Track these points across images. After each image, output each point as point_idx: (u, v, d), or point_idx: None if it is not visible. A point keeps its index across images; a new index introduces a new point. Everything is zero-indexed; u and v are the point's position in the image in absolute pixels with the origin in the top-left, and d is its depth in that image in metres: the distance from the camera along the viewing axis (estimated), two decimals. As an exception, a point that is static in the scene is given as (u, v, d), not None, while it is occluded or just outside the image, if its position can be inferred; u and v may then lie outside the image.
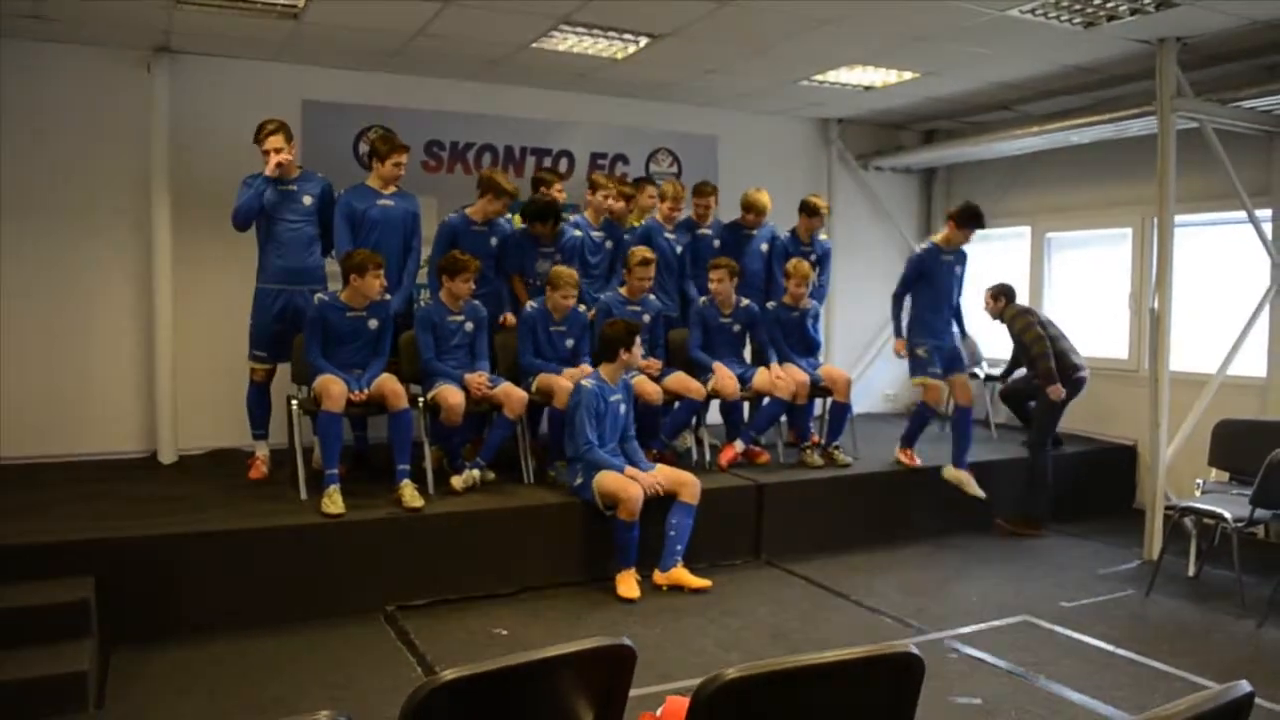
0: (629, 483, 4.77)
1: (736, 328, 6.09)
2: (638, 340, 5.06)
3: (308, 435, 5.18)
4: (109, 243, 5.95)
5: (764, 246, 6.53)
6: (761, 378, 6.01)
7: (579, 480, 4.94)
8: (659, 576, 4.91)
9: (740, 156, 7.67)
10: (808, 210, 6.46)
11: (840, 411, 6.10)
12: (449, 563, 4.71)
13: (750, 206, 6.41)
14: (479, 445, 5.37)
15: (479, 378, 5.15)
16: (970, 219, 6.02)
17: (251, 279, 5.36)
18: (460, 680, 1.69)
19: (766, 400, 5.99)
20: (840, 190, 8.24)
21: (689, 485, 4.95)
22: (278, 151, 5.09)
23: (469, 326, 5.30)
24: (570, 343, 5.56)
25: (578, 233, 5.98)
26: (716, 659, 3.99)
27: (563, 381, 5.22)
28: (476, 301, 5.34)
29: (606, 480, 4.80)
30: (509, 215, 5.91)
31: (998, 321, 6.57)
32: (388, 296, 5.11)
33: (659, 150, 7.54)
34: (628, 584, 4.76)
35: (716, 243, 6.38)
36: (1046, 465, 6.09)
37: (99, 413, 5.96)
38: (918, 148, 8.39)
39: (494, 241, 5.68)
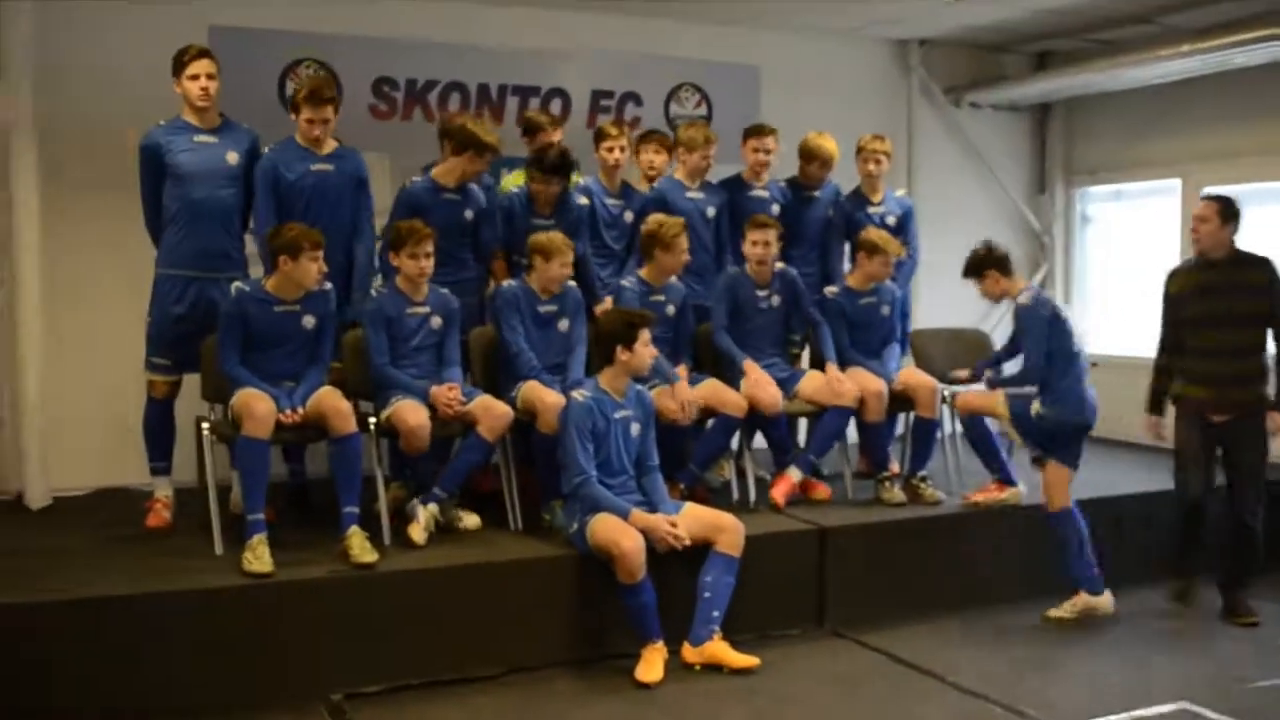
0: (624, 532, 4.74)
1: (775, 301, 6.11)
2: (644, 335, 5.00)
3: (224, 469, 5.21)
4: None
5: (830, 211, 6.58)
6: (813, 383, 6.03)
7: (574, 526, 4.97)
8: (689, 653, 4.91)
9: (790, 93, 7.67)
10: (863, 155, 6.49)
11: (926, 430, 6.12)
12: (412, 636, 4.72)
13: (813, 155, 6.43)
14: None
15: (449, 391, 5.18)
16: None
17: (148, 266, 5.40)
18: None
19: (826, 413, 6.01)
20: (923, 134, 8.30)
21: (727, 532, 4.94)
22: (210, 78, 5.13)
23: (435, 322, 5.33)
24: (564, 324, 5.60)
25: (585, 200, 6.02)
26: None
27: (549, 396, 5.25)
28: (445, 290, 5.38)
29: (599, 528, 4.81)
30: (491, 178, 5.96)
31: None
32: (328, 286, 5.15)
33: (682, 86, 7.57)
34: (647, 664, 4.77)
35: (775, 208, 6.41)
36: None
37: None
38: (1027, 76, 8.43)
39: (469, 214, 5.73)
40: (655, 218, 5.83)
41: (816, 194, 6.55)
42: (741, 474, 5.97)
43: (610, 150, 6.06)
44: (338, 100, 5.47)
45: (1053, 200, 8.88)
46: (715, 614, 4.94)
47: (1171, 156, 7.96)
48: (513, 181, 6.10)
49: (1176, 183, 8.00)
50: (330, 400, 4.96)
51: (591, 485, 4.88)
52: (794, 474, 5.94)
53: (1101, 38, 7.82)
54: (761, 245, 5.90)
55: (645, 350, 5.03)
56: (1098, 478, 6.32)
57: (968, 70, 8.48)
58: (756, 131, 6.38)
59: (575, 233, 5.88)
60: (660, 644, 4.81)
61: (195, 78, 5.13)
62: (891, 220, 6.54)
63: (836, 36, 7.92)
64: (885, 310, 6.29)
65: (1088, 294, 8.94)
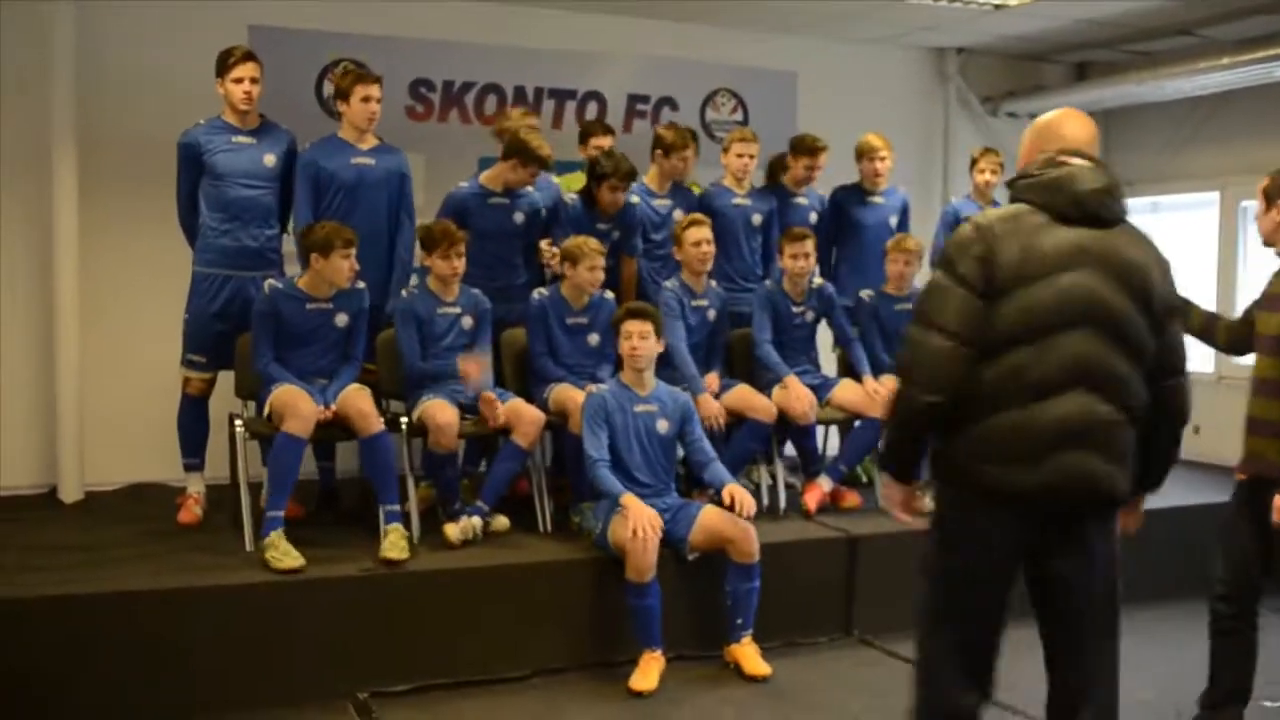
0: (639, 521, 4.72)
1: (809, 316, 6.11)
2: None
3: (255, 466, 5.24)
4: (-5, 222, 6.10)
5: (893, 219, 6.58)
6: (849, 392, 5.99)
7: (600, 527, 4.97)
8: (726, 651, 4.97)
9: (826, 100, 7.69)
10: None
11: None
12: (440, 636, 4.73)
13: (864, 151, 6.48)
14: (477, 481, 5.40)
15: (491, 396, 5.17)
16: None
17: (185, 264, 5.44)
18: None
19: (859, 423, 5.98)
20: (960, 142, 8.23)
21: (736, 541, 4.85)
22: (254, 82, 5.18)
23: (466, 322, 5.34)
24: (595, 338, 5.60)
25: (635, 200, 6.02)
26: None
27: (581, 397, 5.23)
28: (477, 290, 5.39)
29: (617, 525, 4.81)
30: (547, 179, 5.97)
31: None
32: (361, 284, 5.17)
33: (718, 92, 7.59)
34: (642, 672, 4.73)
35: (813, 216, 6.43)
36: None
37: (-24, 437, 6.10)
38: (1066, 86, 8.38)
39: (519, 217, 5.72)
40: (682, 219, 5.83)
41: (879, 199, 6.57)
42: (772, 480, 5.95)
43: (685, 160, 6.09)
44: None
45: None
46: (739, 620, 4.93)
47: (1210, 169, 7.89)
48: (566, 185, 6.08)
49: (1215, 195, 7.93)
50: (355, 401, 4.96)
51: (597, 468, 4.87)
52: (825, 482, 5.91)
53: (1140, 49, 7.76)
54: (802, 258, 5.87)
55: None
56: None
57: (1005, 80, 8.44)
58: (809, 150, 6.35)
59: (632, 235, 5.94)
60: (659, 653, 4.77)
61: (239, 81, 5.17)
62: None
63: (873, 44, 7.90)
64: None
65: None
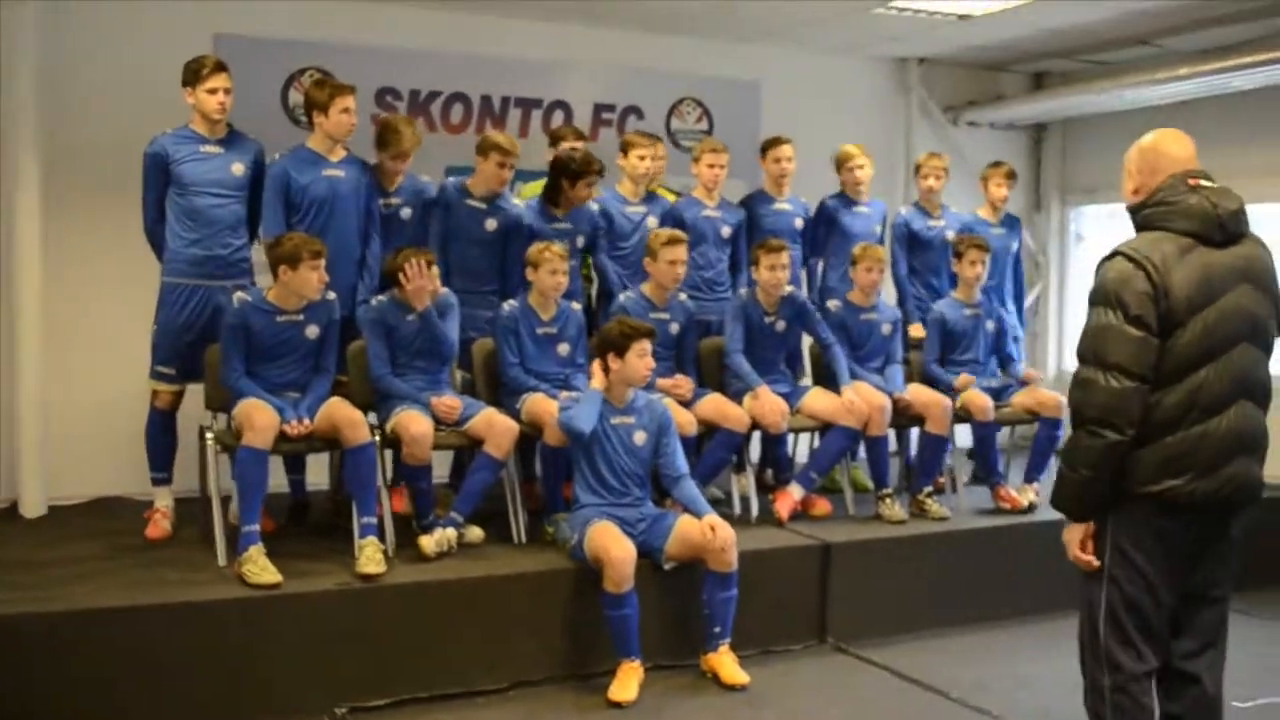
0: (616, 540, 4.74)
1: (780, 326, 6.13)
2: (638, 346, 4.94)
3: (226, 480, 5.18)
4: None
5: (878, 227, 6.69)
6: (819, 400, 6.04)
7: (575, 538, 4.96)
8: (703, 660, 4.98)
9: (790, 109, 7.74)
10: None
11: (936, 447, 6.15)
12: (418, 650, 4.70)
13: (845, 160, 6.57)
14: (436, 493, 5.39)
15: (449, 401, 5.17)
16: None
17: (149, 273, 5.39)
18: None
19: (832, 431, 6.02)
20: (921, 150, 8.22)
21: (713, 551, 4.86)
22: (227, 93, 5.16)
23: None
24: (565, 348, 5.61)
25: (595, 207, 6.04)
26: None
27: (555, 408, 5.22)
28: (444, 290, 5.37)
29: (593, 535, 4.81)
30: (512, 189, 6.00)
31: None
32: (330, 295, 5.14)
33: (683, 101, 7.64)
34: (620, 682, 4.72)
35: (799, 221, 6.50)
36: None
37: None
38: (1024, 96, 8.51)
39: (492, 224, 5.73)
40: (656, 232, 5.84)
41: (864, 208, 6.67)
42: (744, 490, 5.98)
43: (641, 159, 6.10)
44: None
45: (1048, 219, 8.94)
46: (717, 629, 4.95)
47: (1168, 177, 7.98)
48: (530, 191, 6.10)
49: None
50: (342, 411, 4.95)
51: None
52: (796, 490, 5.95)
53: (1099, 59, 7.89)
54: (779, 269, 5.90)
55: (639, 362, 4.96)
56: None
57: (966, 89, 8.56)
58: (773, 143, 6.43)
59: (593, 240, 5.99)
60: (637, 663, 4.77)
61: (214, 91, 5.14)
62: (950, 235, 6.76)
63: (837, 53, 7.97)
64: (886, 329, 6.32)
65: (1079, 313, 8.98)
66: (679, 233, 5.81)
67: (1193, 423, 3.16)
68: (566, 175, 5.79)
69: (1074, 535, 3.34)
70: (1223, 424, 3.17)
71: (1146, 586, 3.29)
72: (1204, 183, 3.26)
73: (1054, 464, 6.44)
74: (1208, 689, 3.40)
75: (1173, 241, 3.19)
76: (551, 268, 5.40)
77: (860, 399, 5.95)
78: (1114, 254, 3.26)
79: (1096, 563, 3.29)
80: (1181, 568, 3.32)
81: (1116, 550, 3.31)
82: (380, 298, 5.32)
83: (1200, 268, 3.16)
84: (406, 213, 5.69)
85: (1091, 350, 3.19)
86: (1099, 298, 3.23)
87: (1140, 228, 3.33)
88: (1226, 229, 3.21)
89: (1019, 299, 7.24)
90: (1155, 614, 3.32)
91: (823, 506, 6.09)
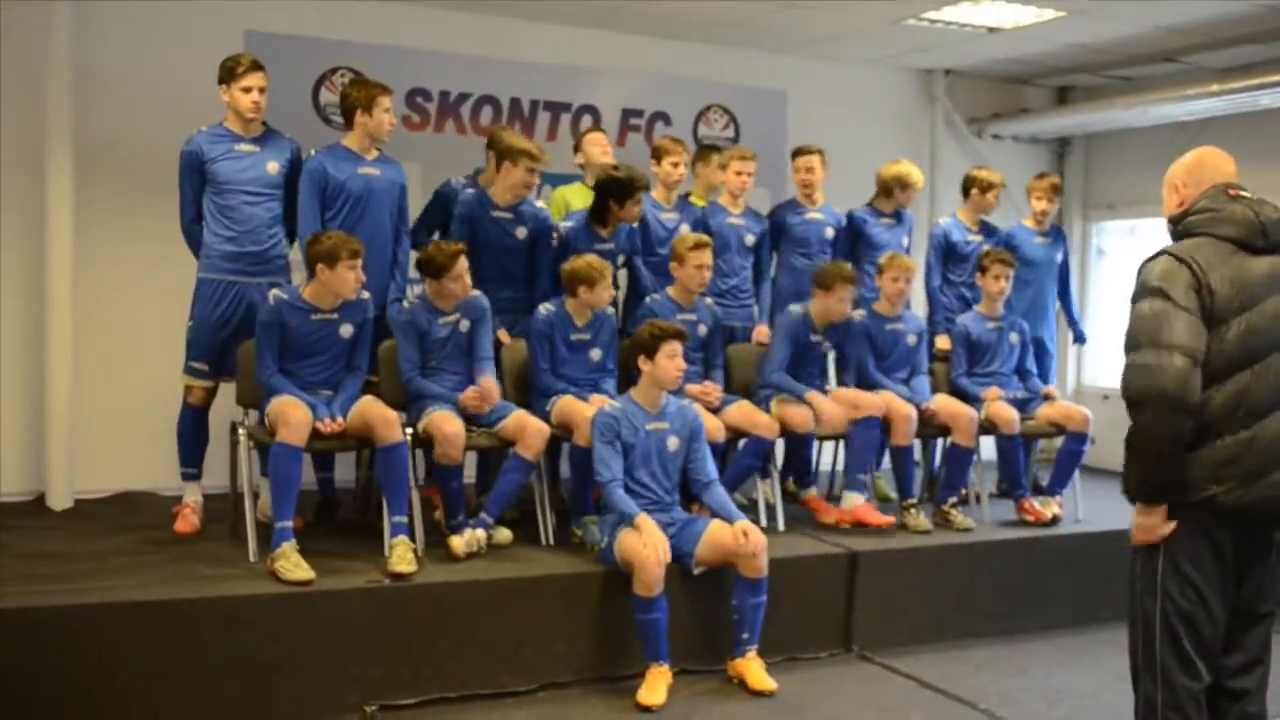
0: (655, 535, 4.74)
1: (827, 345, 6.20)
2: (668, 347, 4.94)
3: (255, 476, 5.20)
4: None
5: (905, 240, 6.72)
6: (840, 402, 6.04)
7: (605, 540, 4.98)
8: (730, 666, 4.98)
9: (815, 118, 7.77)
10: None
11: (962, 458, 6.17)
12: (447, 649, 4.71)
13: (901, 183, 6.55)
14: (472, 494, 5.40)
15: (483, 387, 5.18)
16: None
17: (181, 270, 5.41)
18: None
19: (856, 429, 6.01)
20: (945, 162, 8.38)
21: (744, 557, 4.87)
22: (262, 91, 5.18)
23: (464, 326, 5.32)
24: (596, 354, 5.63)
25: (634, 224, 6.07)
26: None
27: (589, 410, 5.24)
28: (476, 291, 5.36)
29: (625, 540, 4.81)
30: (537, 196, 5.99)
31: None
32: (365, 295, 5.15)
33: (710, 108, 7.66)
34: (649, 686, 4.72)
35: (830, 231, 6.52)
36: None
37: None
38: (1049, 110, 8.53)
39: (522, 232, 5.73)
40: (682, 236, 5.88)
41: (897, 221, 6.72)
42: (769, 497, 5.98)
43: (675, 165, 6.13)
44: None
45: (1070, 233, 8.95)
46: (745, 635, 4.95)
47: (1191, 193, 8.01)
48: (562, 197, 6.10)
49: (1195, 220, 8.04)
50: (376, 409, 4.96)
51: (611, 489, 4.87)
52: (857, 498, 5.96)
53: (1125, 74, 7.92)
54: (849, 303, 5.99)
55: (669, 363, 4.96)
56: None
57: (991, 102, 8.58)
58: (799, 152, 6.48)
59: (632, 250, 6.00)
60: (665, 667, 4.77)
61: (248, 90, 5.16)
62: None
63: (863, 64, 8.00)
64: (911, 340, 6.34)
65: (1100, 327, 9.00)
66: (705, 237, 5.86)
67: (1241, 425, 3.18)
68: (615, 196, 5.76)
69: (1151, 520, 3.27)
70: (1266, 430, 3.19)
71: (1200, 599, 3.29)
72: (1244, 193, 3.32)
73: (1078, 478, 6.51)
74: (1254, 707, 3.42)
75: (1214, 246, 3.24)
76: (605, 283, 5.48)
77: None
78: (1158, 254, 3.31)
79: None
80: (1230, 581, 3.33)
81: (1170, 563, 3.32)
82: (412, 298, 5.34)
83: (1240, 271, 3.21)
84: None
85: (1147, 335, 3.18)
86: (1145, 291, 3.26)
87: (1181, 236, 3.37)
88: (1268, 235, 3.26)
89: (1069, 307, 7.29)
90: (1210, 629, 3.32)
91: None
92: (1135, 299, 3.28)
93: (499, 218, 5.66)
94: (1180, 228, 3.38)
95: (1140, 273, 3.31)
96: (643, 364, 4.99)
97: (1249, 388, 3.18)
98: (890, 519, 5.96)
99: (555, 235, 5.85)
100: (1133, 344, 3.22)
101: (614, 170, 5.82)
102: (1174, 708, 3.33)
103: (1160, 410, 3.12)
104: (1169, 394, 3.10)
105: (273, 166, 5.30)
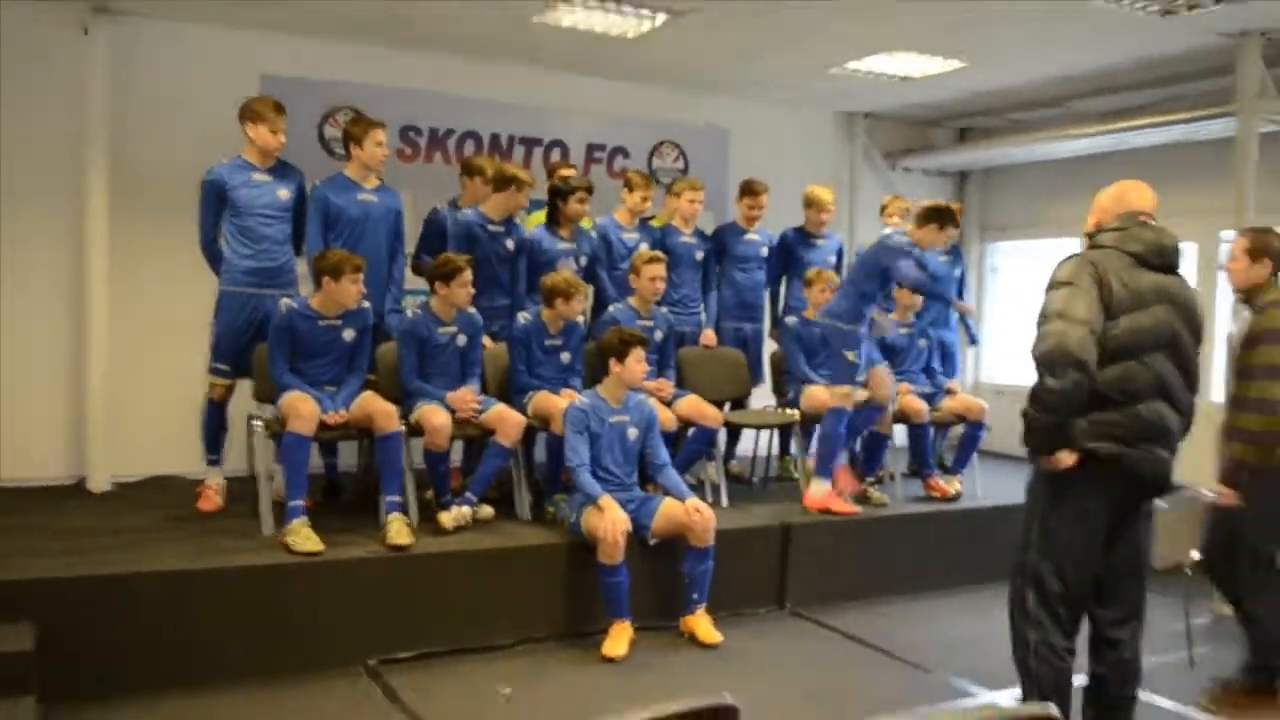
0: (611, 520, 4.81)
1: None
2: (636, 352, 5.04)
3: (269, 463, 5.20)
4: (32, 232, 5.98)
5: (831, 258, 6.79)
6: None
7: (574, 516, 5.02)
8: (682, 622, 5.04)
9: (754, 152, 7.80)
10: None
11: (878, 444, 6.27)
12: (438, 610, 4.75)
13: (813, 203, 6.67)
14: (457, 476, 5.42)
15: (465, 396, 5.21)
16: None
17: (203, 277, 5.40)
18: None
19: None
20: (864, 191, 8.46)
21: (694, 528, 4.95)
22: (285, 132, 5.23)
23: (460, 340, 5.36)
24: (566, 356, 5.67)
25: (594, 233, 6.16)
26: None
27: (561, 402, 5.30)
28: (472, 310, 5.41)
29: (590, 516, 4.88)
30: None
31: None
32: (365, 304, 5.17)
33: (663, 143, 7.70)
34: (613, 639, 4.79)
35: (765, 250, 6.64)
36: None
37: (14, 432, 5.94)
38: (952, 147, 8.64)
39: (511, 244, 5.78)
40: (640, 251, 5.94)
41: (821, 240, 6.80)
42: (728, 477, 6.16)
43: (643, 199, 6.24)
44: None
45: (968, 253, 9.10)
46: (695, 595, 5.02)
47: (1071, 218, 8.13)
48: (534, 222, 6.16)
49: (1076, 241, 8.20)
50: (376, 403, 4.98)
51: (580, 473, 4.92)
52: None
53: (1016, 117, 8.06)
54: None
55: (637, 365, 5.05)
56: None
57: (903, 140, 8.69)
58: (750, 190, 6.55)
59: (594, 256, 6.10)
60: (627, 623, 4.83)
61: (275, 132, 5.19)
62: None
63: (794, 106, 8.08)
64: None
65: (994, 331, 9.19)
66: (658, 253, 5.93)
67: (1123, 402, 3.31)
68: (560, 196, 5.93)
69: (1050, 463, 3.37)
70: (1143, 413, 3.32)
71: (1069, 557, 3.42)
72: (1153, 222, 3.46)
73: (976, 460, 6.64)
74: (1128, 654, 3.54)
75: (1118, 257, 3.36)
76: (580, 298, 5.54)
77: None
78: (1069, 257, 3.43)
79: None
80: (1099, 543, 3.44)
81: (1043, 527, 3.44)
82: (415, 309, 5.36)
83: (1135, 280, 3.33)
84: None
85: (1055, 310, 3.28)
86: (1055, 283, 3.37)
87: (1094, 249, 3.48)
88: (1164, 257, 3.40)
89: (964, 316, 7.37)
90: (1076, 581, 3.43)
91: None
92: (1048, 289, 3.39)
93: (494, 231, 5.72)
94: (1094, 241, 3.51)
95: (1054, 271, 3.42)
96: (613, 365, 5.05)
97: (1133, 374, 3.30)
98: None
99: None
100: (1043, 319, 3.33)
101: (569, 177, 6.00)
102: (1045, 644, 3.43)
103: (1065, 366, 3.20)
104: (1071, 353, 3.19)
105: (284, 193, 5.31)
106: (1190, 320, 3.43)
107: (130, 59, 6.09)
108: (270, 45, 6.42)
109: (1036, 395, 3.30)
